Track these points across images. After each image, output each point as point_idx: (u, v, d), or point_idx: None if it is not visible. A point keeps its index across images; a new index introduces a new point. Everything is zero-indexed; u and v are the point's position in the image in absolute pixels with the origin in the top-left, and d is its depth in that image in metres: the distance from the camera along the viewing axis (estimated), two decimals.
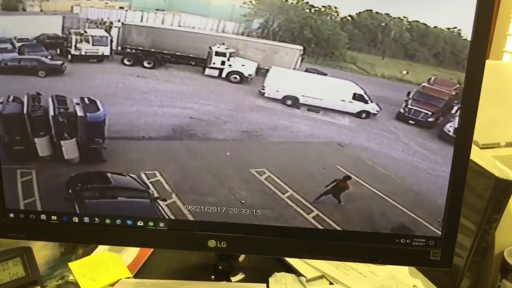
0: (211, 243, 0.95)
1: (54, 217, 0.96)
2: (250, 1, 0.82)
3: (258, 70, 0.89)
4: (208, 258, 1.12)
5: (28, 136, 0.92)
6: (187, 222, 0.95)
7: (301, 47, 0.84)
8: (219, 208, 0.94)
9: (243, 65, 0.91)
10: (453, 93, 0.84)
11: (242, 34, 0.86)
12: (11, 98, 0.90)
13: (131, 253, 1.18)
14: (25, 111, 0.90)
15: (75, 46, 0.90)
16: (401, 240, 0.92)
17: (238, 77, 0.92)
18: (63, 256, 1.17)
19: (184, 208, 0.94)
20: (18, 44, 0.88)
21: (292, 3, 0.82)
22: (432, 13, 0.80)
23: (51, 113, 0.90)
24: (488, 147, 1.34)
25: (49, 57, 0.90)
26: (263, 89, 0.89)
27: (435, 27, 0.80)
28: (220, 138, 0.91)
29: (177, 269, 1.13)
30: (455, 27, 0.80)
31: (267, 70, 0.88)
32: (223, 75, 0.91)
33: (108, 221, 0.96)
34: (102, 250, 1.18)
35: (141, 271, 1.13)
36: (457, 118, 0.84)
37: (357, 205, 0.91)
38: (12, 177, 0.94)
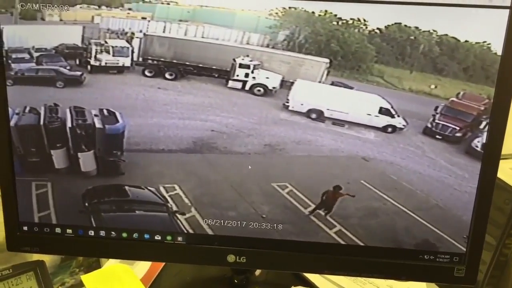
0: (231, 258, 0.93)
1: (69, 231, 0.94)
2: (276, 13, 0.80)
3: (283, 82, 0.88)
4: (224, 271, 1.10)
5: (44, 148, 0.90)
6: (206, 237, 0.93)
7: (327, 60, 0.83)
8: (239, 222, 0.92)
9: (267, 78, 0.89)
10: (482, 108, 0.82)
11: (267, 46, 0.84)
12: (28, 109, 0.88)
13: (144, 265, 1.15)
14: (41, 122, 0.88)
15: (95, 56, 0.88)
16: (425, 256, 0.91)
17: (262, 89, 0.90)
18: (64, 263, 1.15)
19: (203, 222, 0.92)
20: (36, 54, 0.86)
21: (319, 15, 0.80)
22: (462, 27, 0.79)
23: (69, 124, 0.88)
24: (502, 158, 1.32)
25: (68, 67, 0.88)
26: (287, 102, 0.87)
27: (466, 41, 0.79)
28: (242, 152, 0.89)
29: (192, 282, 1.11)
30: (485, 42, 0.79)
31: (292, 83, 0.87)
32: (247, 87, 0.89)
33: (124, 234, 0.94)
34: (113, 262, 1.16)
35: (155, 285, 1.11)
36: (485, 134, 0.83)
37: (381, 220, 0.89)
38: (26, 190, 0.92)
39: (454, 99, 0.83)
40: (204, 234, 0.93)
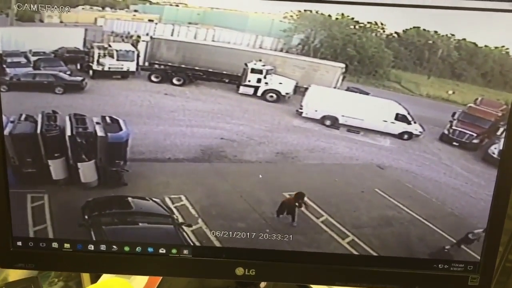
0: (239, 270, 0.89)
1: (67, 245, 0.89)
2: (291, 16, 0.77)
3: (297, 88, 0.85)
4: (227, 282, 1.05)
5: (41, 158, 0.85)
6: (213, 249, 0.89)
7: (343, 65, 0.80)
8: (248, 233, 0.88)
9: (280, 83, 0.85)
10: (500, 114, 0.81)
11: (281, 50, 0.81)
12: (24, 116, 0.82)
13: (142, 278, 1.11)
14: (38, 130, 0.83)
15: (98, 61, 0.83)
16: (439, 265, 0.89)
17: (274, 95, 0.86)
18: (42, 273, 1.10)
19: (210, 234, 0.88)
20: (33, 58, 0.81)
21: (336, 18, 0.77)
22: (481, 31, 0.77)
23: (68, 133, 0.83)
24: None
25: (68, 72, 0.83)
26: (301, 109, 0.84)
27: (485, 46, 0.77)
28: (252, 160, 0.85)
29: None
30: (503, 46, 0.77)
31: (306, 89, 0.84)
32: (259, 93, 0.86)
33: (127, 248, 0.89)
34: (109, 275, 1.11)
35: None
36: (502, 140, 0.81)
37: (395, 229, 0.87)
38: (21, 203, 0.86)
39: (472, 105, 0.81)
40: (212, 246, 0.88)
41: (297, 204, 0.86)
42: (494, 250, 0.87)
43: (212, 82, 0.85)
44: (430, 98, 0.82)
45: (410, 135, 0.85)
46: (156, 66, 0.85)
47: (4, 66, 0.80)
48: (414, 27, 0.77)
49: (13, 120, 0.82)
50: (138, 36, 0.82)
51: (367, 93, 0.82)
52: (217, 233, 0.88)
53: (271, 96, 0.87)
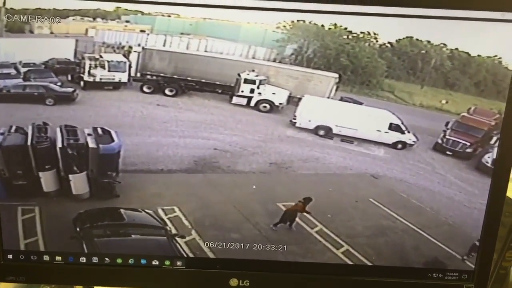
0: (233, 282, 0.88)
1: (58, 258, 0.88)
2: (284, 26, 0.77)
3: (290, 98, 0.84)
4: None
5: (31, 170, 0.84)
6: (207, 260, 0.88)
7: (336, 75, 0.80)
8: (242, 244, 0.87)
9: (273, 93, 0.85)
10: (493, 123, 0.81)
11: (274, 60, 0.80)
12: (14, 128, 0.81)
13: None
14: (29, 142, 0.82)
15: (89, 72, 0.82)
16: (434, 274, 0.88)
17: (268, 106, 0.86)
18: (29, 285, 1.09)
19: (204, 245, 0.87)
20: (23, 70, 0.80)
21: (329, 28, 0.77)
22: (474, 41, 0.77)
23: (59, 144, 0.82)
24: None
25: (59, 83, 0.82)
26: (294, 119, 0.84)
27: (477, 55, 0.77)
28: (246, 171, 0.84)
29: None
30: (496, 56, 0.77)
31: (300, 99, 0.83)
32: (252, 103, 0.86)
33: (119, 260, 0.88)
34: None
35: None
36: (495, 149, 0.81)
37: (390, 239, 0.87)
38: (12, 215, 0.85)
39: (465, 114, 0.81)
40: (205, 257, 0.88)
41: (307, 210, 0.85)
42: (489, 258, 0.87)
43: (205, 93, 0.85)
44: (424, 107, 0.82)
45: (404, 145, 0.85)
46: (148, 76, 0.84)
47: None
48: (407, 37, 0.77)
49: (3, 132, 0.81)
50: (130, 47, 0.82)
51: (360, 103, 0.82)
52: (210, 244, 0.87)
53: (265, 107, 0.86)
